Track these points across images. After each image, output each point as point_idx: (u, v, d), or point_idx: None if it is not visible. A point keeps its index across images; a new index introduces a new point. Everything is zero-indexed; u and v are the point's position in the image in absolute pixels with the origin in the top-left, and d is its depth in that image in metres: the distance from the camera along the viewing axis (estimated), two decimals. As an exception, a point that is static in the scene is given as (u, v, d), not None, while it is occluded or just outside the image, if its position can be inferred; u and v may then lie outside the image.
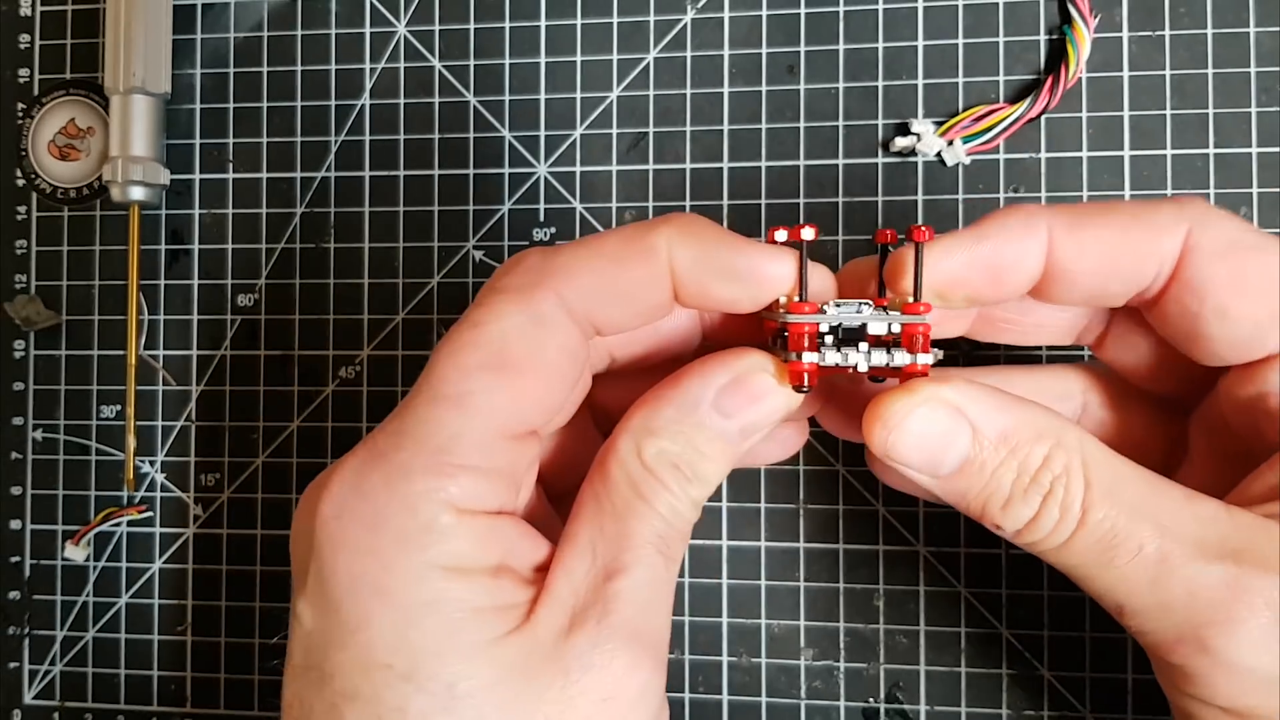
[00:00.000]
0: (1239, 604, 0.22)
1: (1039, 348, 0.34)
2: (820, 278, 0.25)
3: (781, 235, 0.24)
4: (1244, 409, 0.25)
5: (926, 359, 0.23)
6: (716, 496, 0.36)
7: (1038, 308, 0.27)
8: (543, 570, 0.24)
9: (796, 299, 0.24)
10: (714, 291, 0.24)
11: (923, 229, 0.23)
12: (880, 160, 0.36)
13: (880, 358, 0.23)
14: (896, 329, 0.24)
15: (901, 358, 0.23)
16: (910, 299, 0.24)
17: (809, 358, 0.23)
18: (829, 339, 0.24)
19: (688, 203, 0.36)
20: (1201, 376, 0.27)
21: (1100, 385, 0.29)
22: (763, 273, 0.24)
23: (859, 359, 0.23)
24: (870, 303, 0.24)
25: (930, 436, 0.23)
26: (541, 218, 0.37)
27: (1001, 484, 0.23)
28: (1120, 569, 0.23)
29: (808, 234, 0.23)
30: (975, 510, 0.24)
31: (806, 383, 0.23)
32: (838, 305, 0.24)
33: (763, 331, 0.26)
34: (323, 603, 0.22)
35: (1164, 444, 0.29)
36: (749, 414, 0.24)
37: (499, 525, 0.23)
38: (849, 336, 0.24)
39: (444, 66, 0.38)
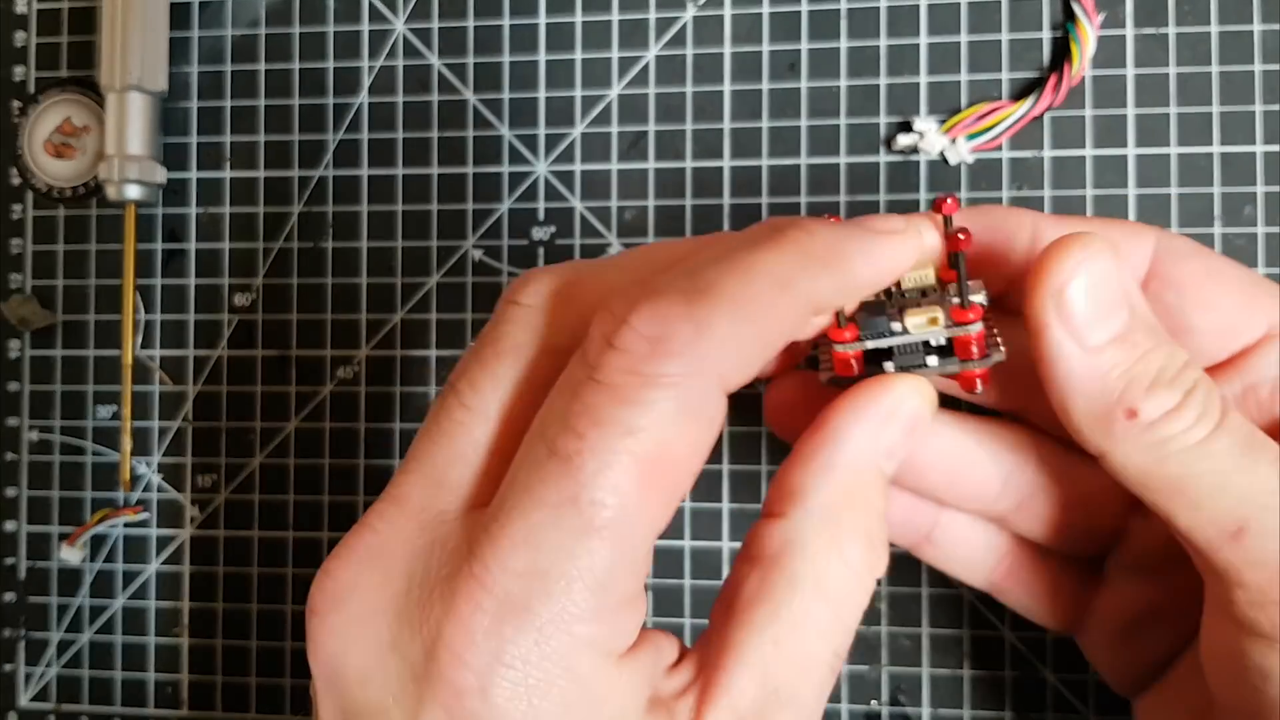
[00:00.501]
0: None
1: None
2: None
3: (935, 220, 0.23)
4: None
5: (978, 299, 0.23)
6: (717, 497, 0.36)
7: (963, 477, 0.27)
8: (675, 670, 0.21)
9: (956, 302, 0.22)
10: (849, 302, 0.22)
11: (947, 200, 0.23)
12: (882, 158, 0.35)
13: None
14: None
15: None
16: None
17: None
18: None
19: (688, 201, 0.36)
20: (1117, 515, 0.27)
21: (1014, 551, 0.29)
22: (894, 266, 0.22)
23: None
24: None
25: (1105, 289, 0.22)
26: (541, 216, 0.37)
27: (1149, 367, 0.22)
28: (1260, 474, 0.22)
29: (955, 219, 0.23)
30: (1111, 393, 0.22)
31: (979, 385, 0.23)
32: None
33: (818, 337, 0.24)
34: None
35: (1072, 605, 0.29)
36: (907, 446, 0.22)
37: (642, 653, 0.20)
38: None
39: (442, 64, 0.38)
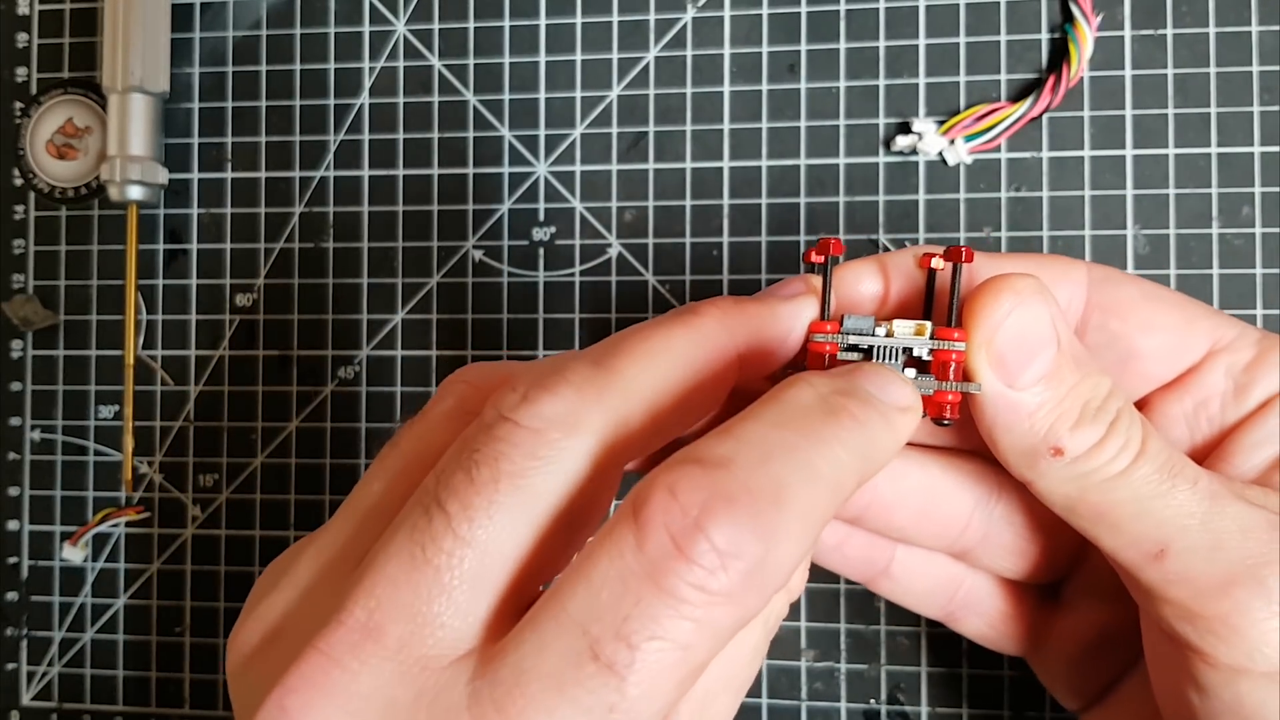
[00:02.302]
0: None
1: None
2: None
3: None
4: (1176, 439, 0.26)
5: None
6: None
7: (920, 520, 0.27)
8: None
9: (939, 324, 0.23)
10: (774, 360, 0.23)
11: (962, 250, 0.23)
12: (881, 159, 0.36)
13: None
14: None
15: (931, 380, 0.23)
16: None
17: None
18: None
19: (688, 202, 0.36)
20: (1077, 542, 0.27)
21: (970, 581, 0.29)
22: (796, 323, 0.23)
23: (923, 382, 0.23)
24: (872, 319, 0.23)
25: (1032, 332, 0.22)
26: (541, 217, 0.37)
27: (1075, 402, 0.22)
28: (1178, 499, 0.22)
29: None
30: (1038, 429, 0.22)
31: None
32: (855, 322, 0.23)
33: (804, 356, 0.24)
34: None
35: (1027, 630, 0.29)
36: None
37: None
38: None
39: (443, 65, 0.38)
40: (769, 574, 0.18)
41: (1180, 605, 0.22)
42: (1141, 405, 0.26)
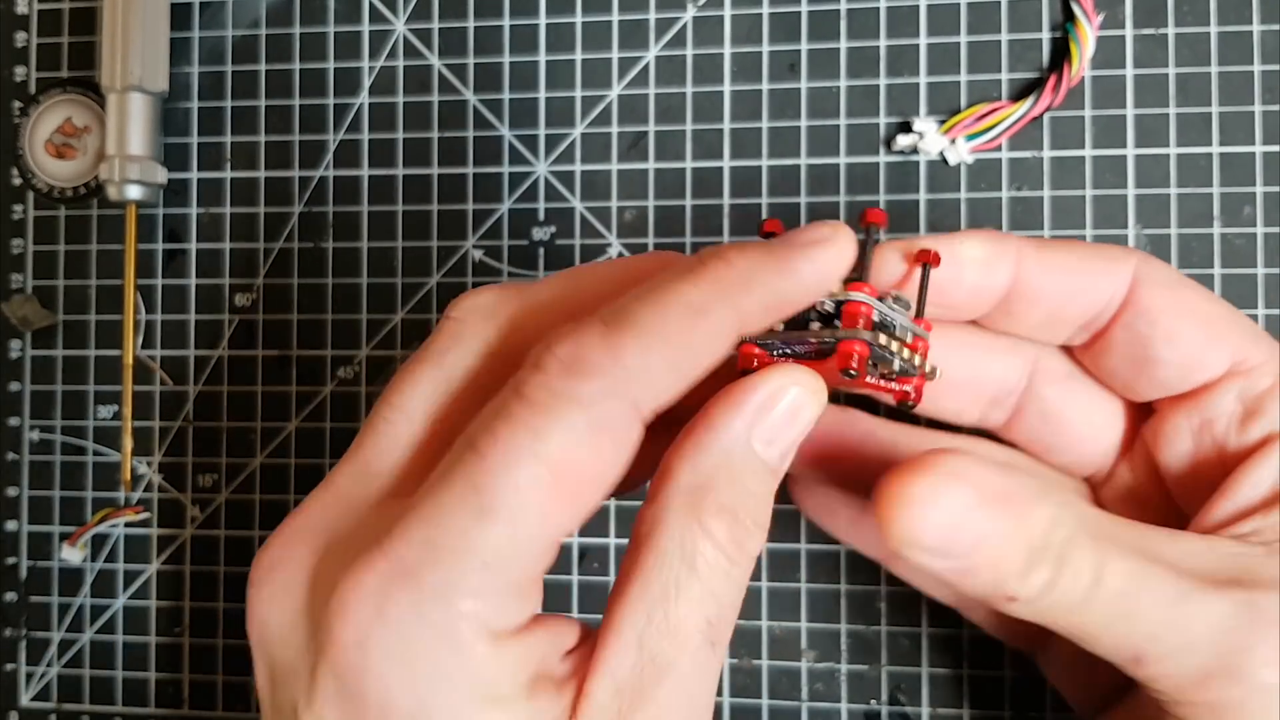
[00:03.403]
0: (1261, 626, 0.22)
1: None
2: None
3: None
4: (1181, 449, 0.26)
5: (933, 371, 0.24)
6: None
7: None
8: (573, 653, 0.22)
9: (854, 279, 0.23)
10: (775, 319, 0.23)
11: (930, 252, 0.24)
12: (882, 159, 0.35)
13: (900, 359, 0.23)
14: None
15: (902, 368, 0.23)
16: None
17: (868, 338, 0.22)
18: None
19: (688, 202, 0.36)
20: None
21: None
22: (824, 273, 0.23)
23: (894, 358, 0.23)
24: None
25: (952, 528, 0.22)
26: (541, 217, 0.37)
27: (1017, 553, 0.22)
28: (1144, 611, 0.22)
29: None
30: (986, 585, 0.23)
31: (855, 366, 0.22)
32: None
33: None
34: None
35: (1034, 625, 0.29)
36: (789, 434, 0.23)
37: (531, 636, 0.22)
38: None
39: (443, 64, 0.38)
40: (615, 376, 0.21)
41: (1168, 695, 0.23)
42: (1149, 411, 0.26)
